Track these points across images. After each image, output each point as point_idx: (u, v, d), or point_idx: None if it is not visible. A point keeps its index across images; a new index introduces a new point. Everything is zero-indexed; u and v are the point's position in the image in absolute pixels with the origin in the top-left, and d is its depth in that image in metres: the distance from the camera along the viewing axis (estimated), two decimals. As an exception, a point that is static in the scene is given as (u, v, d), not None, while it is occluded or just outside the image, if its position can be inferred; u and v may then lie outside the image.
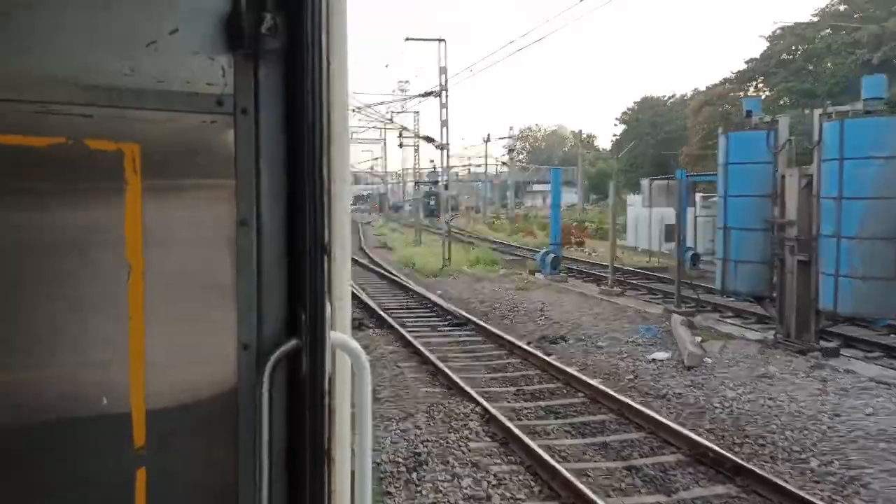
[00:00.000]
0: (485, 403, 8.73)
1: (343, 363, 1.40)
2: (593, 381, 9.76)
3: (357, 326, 13.93)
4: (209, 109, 1.26)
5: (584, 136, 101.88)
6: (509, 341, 12.48)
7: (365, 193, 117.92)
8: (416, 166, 34.86)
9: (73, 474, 1.20)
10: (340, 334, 1.37)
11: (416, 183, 35.54)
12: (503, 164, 57.01)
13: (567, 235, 33.57)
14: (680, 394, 9.16)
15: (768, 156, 12.38)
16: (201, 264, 1.29)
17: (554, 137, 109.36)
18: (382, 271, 24.42)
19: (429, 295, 18.28)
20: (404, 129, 25.33)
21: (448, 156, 24.78)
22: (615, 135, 79.24)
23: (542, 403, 9.13)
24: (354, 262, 28.49)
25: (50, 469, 1.18)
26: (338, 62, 1.32)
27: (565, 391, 9.71)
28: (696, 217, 25.20)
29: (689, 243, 26.01)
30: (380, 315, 15.40)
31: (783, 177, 12.18)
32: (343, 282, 1.38)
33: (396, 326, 13.95)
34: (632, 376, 10.24)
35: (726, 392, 8.93)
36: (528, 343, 12.48)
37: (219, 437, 1.30)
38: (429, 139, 24.72)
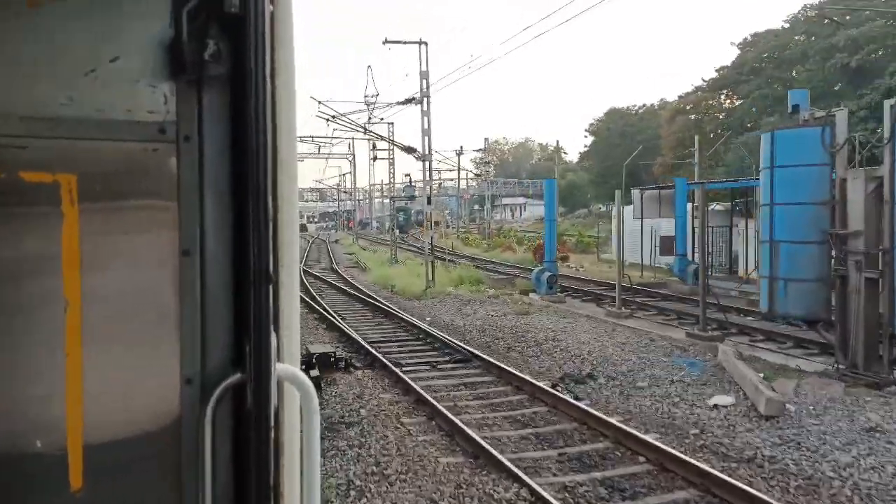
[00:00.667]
0: (529, 482, 6.64)
1: (291, 397, 1.35)
2: (650, 439, 7.74)
3: (344, 367, 11.73)
4: (151, 137, 1.23)
5: (552, 147, 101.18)
6: (528, 382, 10.42)
7: (330, 210, 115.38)
8: (391, 180, 32.77)
9: None
10: (287, 366, 1.33)
11: (392, 198, 33.43)
12: (476, 175, 55.00)
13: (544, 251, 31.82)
14: (772, 457, 7.19)
15: (823, 156, 10.60)
16: (143, 295, 1.24)
17: (521, 150, 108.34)
18: (360, 295, 22.21)
19: (418, 323, 16.17)
20: (380, 137, 23.15)
21: (430, 168, 22.76)
22: (585, 146, 78.21)
23: (597, 475, 7.07)
24: (329, 285, 26.26)
25: None
26: (284, 87, 1.30)
27: (619, 454, 7.67)
28: (694, 228, 23.53)
29: (689, 256, 24.41)
30: (367, 350, 13.22)
31: (843, 180, 10.41)
32: (291, 311, 1.34)
33: (390, 366, 11.79)
34: (696, 430, 8.24)
35: (836, 455, 6.97)
36: (552, 384, 10.44)
37: (161, 476, 1.25)
38: (409, 149, 22.68)
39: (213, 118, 1.26)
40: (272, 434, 1.28)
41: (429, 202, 22.83)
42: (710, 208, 27.83)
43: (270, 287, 1.27)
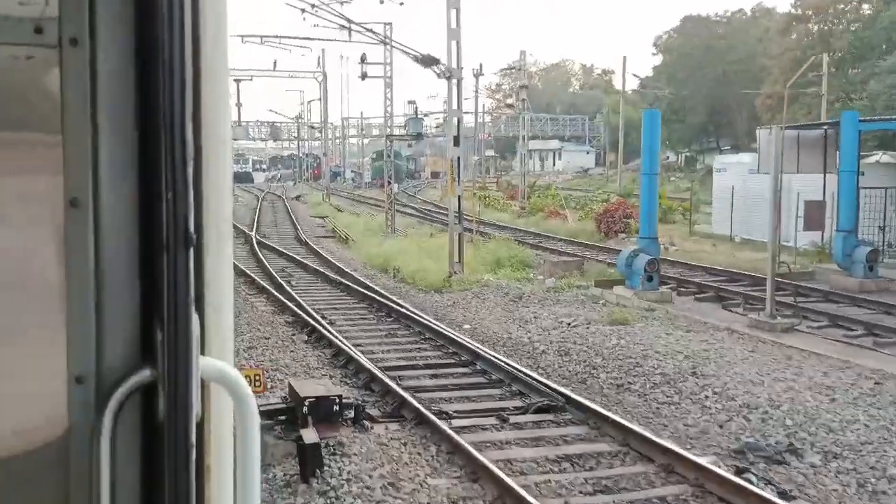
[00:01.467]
0: None
1: (221, 400, 1.34)
2: None
3: (354, 420, 9.39)
4: (23, 40, 1.21)
5: (599, 71, 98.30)
6: (684, 460, 8.10)
7: (285, 154, 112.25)
8: (388, 110, 29.99)
9: None
10: (214, 361, 1.30)
11: (388, 136, 30.79)
12: (507, 106, 51.95)
13: (613, 219, 29.51)
14: None
15: None
16: (14, 262, 1.23)
17: (555, 75, 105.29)
18: (349, 283, 19.89)
19: (452, 333, 13.91)
20: (388, 40, 20.34)
21: (460, 89, 20.28)
22: (648, 70, 75.25)
23: None
24: (298, 265, 23.92)
25: None
26: None
27: None
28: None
29: (842, 228, 22.01)
30: (384, 384, 10.90)
31: None
32: (220, 284, 1.32)
33: (431, 418, 9.45)
34: None
35: None
36: (737, 470, 8.10)
37: (43, 502, 1.26)
38: (428, 60, 20.14)
39: (111, 15, 1.22)
40: (193, 452, 1.25)
41: (456, 143, 20.37)
42: (873, 159, 25.47)
43: (191, 252, 1.23)
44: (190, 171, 1.22)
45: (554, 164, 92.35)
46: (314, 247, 28.62)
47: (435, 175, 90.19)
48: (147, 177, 1.23)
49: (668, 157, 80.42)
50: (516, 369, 11.54)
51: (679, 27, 74.67)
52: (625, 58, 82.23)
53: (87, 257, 1.23)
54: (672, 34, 76.00)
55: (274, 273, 21.66)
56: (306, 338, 14.34)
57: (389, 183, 31.17)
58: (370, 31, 20.40)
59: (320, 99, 51.35)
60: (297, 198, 56.66)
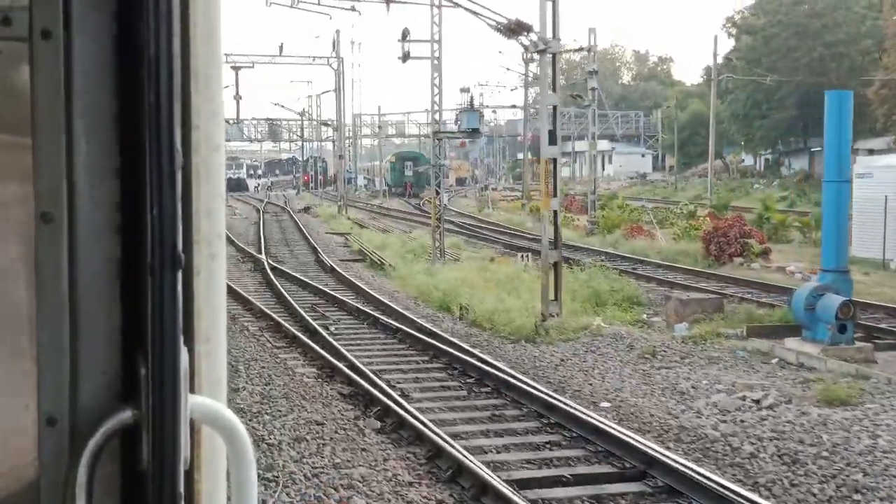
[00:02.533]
0: None
1: (212, 445, 1.33)
2: None
3: None
4: None
5: (654, 59, 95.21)
6: None
7: (284, 157, 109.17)
8: (434, 99, 26.73)
9: None
10: (205, 400, 1.28)
11: (435, 134, 27.57)
12: (575, 97, 48.48)
13: (726, 239, 26.26)
14: None
15: None
16: None
17: (604, 63, 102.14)
18: (410, 329, 16.74)
19: (589, 416, 10.78)
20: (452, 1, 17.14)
21: (555, 68, 17.09)
22: (727, 56, 71.78)
23: None
24: (331, 301, 20.79)
25: None
26: None
27: None
28: None
29: None
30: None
31: None
32: (214, 313, 1.32)
33: None
34: None
35: None
36: None
37: None
38: (517, 28, 16.99)
39: (88, 4, 1.21)
40: (181, 501, 1.24)
41: (552, 139, 17.17)
42: None
43: (179, 274, 1.21)
44: (178, 182, 1.20)
45: (604, 169, 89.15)
46: (343, 274, 25.54)
47: (460, 182, 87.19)
48: (129, 189, 1.21)
49: (742, 160, 77.16)
50: (731, 492, 8.34)
51: (757, 3, 71.49)
52: (716, 37, 77.95)
53: (60, 280, 1.22)
54: (749, 12, 72.77)
55: (302, 313, 18.57)
56: (378, 424, 11.18)
57: (437, 192, 27.84)
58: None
59: (336, 90, 48.19)
60: (306, 209, 53.48)
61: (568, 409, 11.30)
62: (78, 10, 1.19)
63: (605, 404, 12.00)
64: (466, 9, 17.55)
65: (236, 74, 45.90)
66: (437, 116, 27.90)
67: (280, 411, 11.86)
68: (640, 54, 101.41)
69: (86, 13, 1.19)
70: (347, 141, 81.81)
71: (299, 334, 16.45)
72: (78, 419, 1.21)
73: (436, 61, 26.90)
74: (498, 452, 10.19)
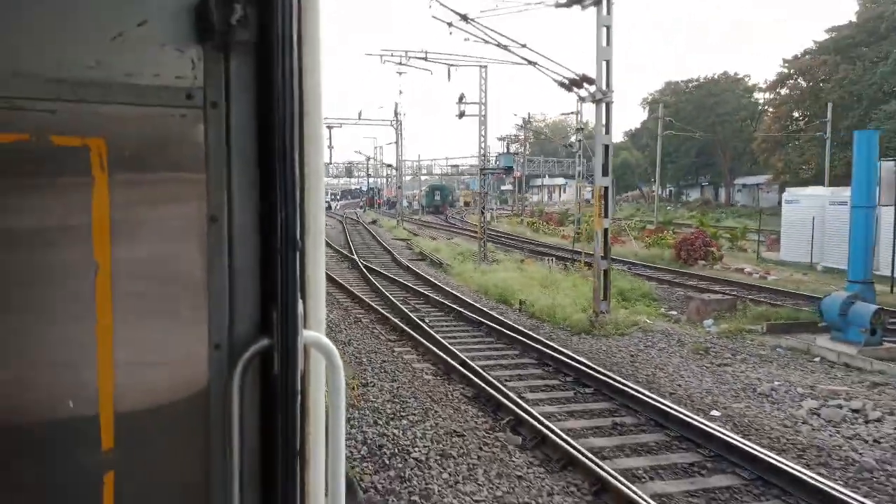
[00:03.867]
0: None
1: (317, 362, 1.32)
2: None
3: None
4: (178, 103, 1.18)
5: (579, 126, 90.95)
6: None
7: (353, 188, 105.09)
8: (483, 145, 23.13)
9: (40, 478, 1.13)
10: (314, 333, 1.29)
11: (482, 170, 23.78)
12: (566, 146, 44.63)
13: (693, 247, 22.23)
14: None
15: None
16: (171, 262, 1.21)
17: (559, 128, 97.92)
18: (487, 322, 12.80)
19: (704, 425, 6.95)
20: (531, 60, 13.26)
21: (609, 114, 13.16)
22: (640, 123, 67.68)
23: None
24: (415, 294, 16.81)
25: (17, 473, 1.12)
26: (311, 53, 1.25)
27: None
28: None
29: None
30: None
31: None
32: (317, 278, 1.31)
33: None
34: None
35: None
36: None
37: (189, 439, 1.23)
38: (578, 81, 13.06)
39: (240, 84, 1.19)
40: (298, 399, 1.25)
41: (605, 171, 13.27)
42: None
43: (297, 254, 1.23)
44: (297, 195, 1.22)
45: (560, 196, 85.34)
46: (417, 271, 21.56)
47: (466, 204, 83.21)
48: (266, 200, 1.21)
49: (652, 191, 72.88)
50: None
51: (663, 88, 67.69)
52: (586, 121, 74.40)
53: (222, 258, 1.21)
54: (655, 95, 69.14)
55: (400, 306, 14.65)
56: (519, 439, 7.28)
57: (483, 213, 23.93)
58: (522, 47, 13.18)
59: (395, 142, 44.24)
60: (374, 222, 49.45)
61: (686, 418, 7.41)
62: (235, 89, 1.17)
63: (715, 413, 8.09)
64: (540, 69, 13.45)
65: (329, 132, 41.80)
66: (483, 158, 23.91)
67: (414, 415, 7.96)
68: (584, 122, 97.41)
69: (239, 91, 1.18)
70: (393, 177, 77.93)
71: (405, 328, 12.50)
72: (233, 345, 1.21)
73: (482, 118, 23.09)
74: (652, 479, 6.32)
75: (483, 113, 22.95)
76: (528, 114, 57.00)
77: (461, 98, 22.62)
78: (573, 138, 34.13)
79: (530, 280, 18.15)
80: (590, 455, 6.42)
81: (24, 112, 1.08)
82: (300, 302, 1.23)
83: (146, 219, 1.18)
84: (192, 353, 1.21)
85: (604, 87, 12.98)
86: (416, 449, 6.97)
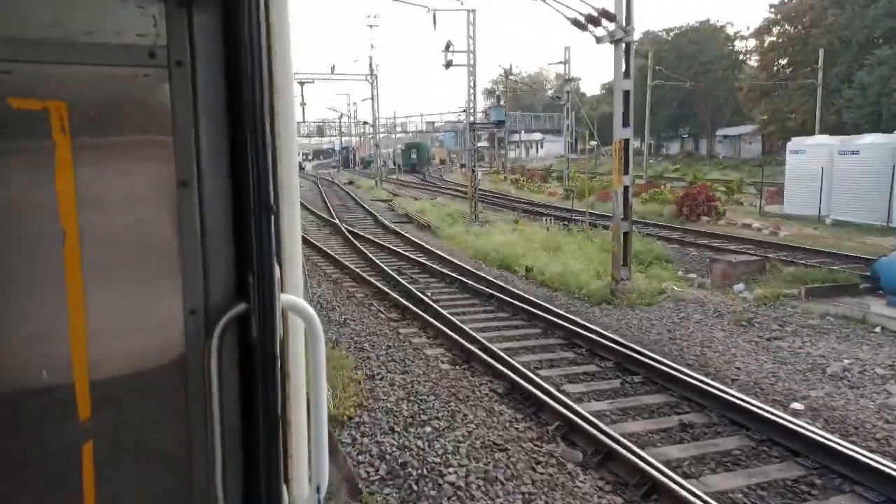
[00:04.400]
0: None
1: (295, 326, 1.31)
2: None
3: None
4: (141, 62, 1.14)
5: (569, 77, 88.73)
6: None
7: (325, 147, 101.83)
8: (471, 96, 21.28)
9: (17, 450, 1.12)
10: (291, 296, 1.28)
11: (472, 126, 22.03)
12: (554, 98, 43.07)
13: (696, 202, 21.00)
14: None
15: None
16: (141, 228, 1.18)
17: (536, 81, 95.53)
18: (493, 291, 11.39)
19: (795, 426, 5.68)
20: None
21: (630, 54, 11.58)
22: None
23: None
24: (408, 261, 15.30)
25: None
26: (278, 9, 1.20)
27: None
28: None
29: None
30: None
31: None
32: (293, 241, 1.29)
33: None
34: None
35: None
36: None
37: (168, 406, 1.21)
38: (598, 16, 11.41)
39: (206, 42, 1.15)
40: (278, 363, 1.23)
41: (626, 121, 11.76)
42: None
43: (271, 217, 1.20)
44: (269, 157, 1.17)
45: (537, 152, 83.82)
46: (405, 235, 20.03)
47: (441, 162, 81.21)
48: (237, 163, 1.18)
49: (636, 143, 71.73)
50: None
51: (641, 38, 65.83)
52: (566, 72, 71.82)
53: (194, 223, 1.18)
54: (637, 44, 67.31)
55: (396, 277, 13.18)
56: (579, 455, 5.91)
57: (473, 171, 22.27)
58: None
59: (371, 98, 41.97)
60: (350, 183, 47.42)
61: (767, 415, 6.13)
62: (200, 47, 1.14)
63: (797, 406, 6.81)
64: (549, 3, 11.75)
65: (301, 87, 39.38)
66: (469, 111, 22.12)
67: (439, 419, 6.56)
68: (559, 74, 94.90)
69: (205, 49, 1.14)
70: (368, 136, 75.24)
71: (407, 303, 11.03)
72: (210, 310, 1.19)
73: (471, 68, 21.25)
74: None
75: (472, 62, 21.12)
76: (510, 65, 54.61)
77: (448, 46, 20.75)
78: (564, 90, 32.38)
79: (530, 243, 16.74)
80: (671, 475, 5.08)
81: None
82: (276, 265, 1.20)
83: (113, 183, 1.13)
84: (168, 320, 1.18)
85: (623, 24, 11.36)
86: (451, 469, 5.58)
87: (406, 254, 16.49)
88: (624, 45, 11.58)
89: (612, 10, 11.46)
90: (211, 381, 1.18)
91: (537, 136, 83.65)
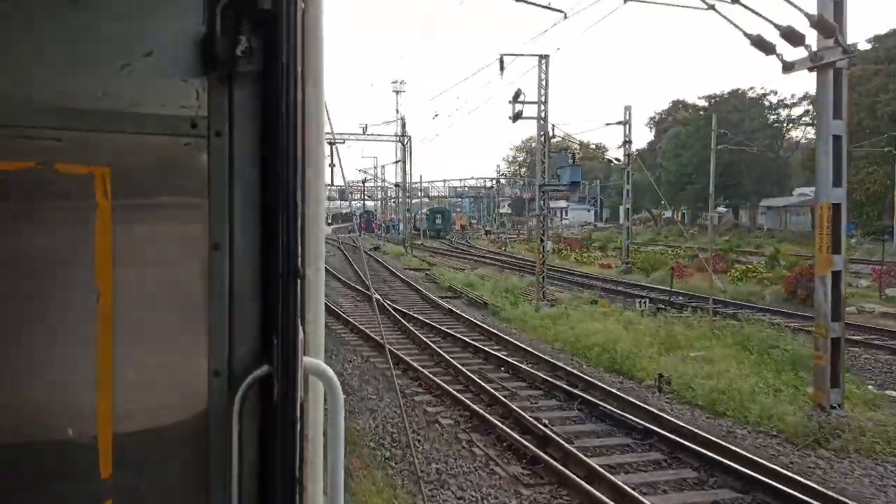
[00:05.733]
0: None
1: (316, 389, 1.31)
2: None
3: None
4: (183, 132, 1.18)
5: (593, 146, 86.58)
6: None
7: (344, 211, 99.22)
8: (543, 154, 17.65)
9: (39, 502, 1.11)
10: (313, 359, 1.28)
11: (541, 187, 18.48)
12: (611, 161, 40.08)
13: (812, 280, 17.11)
14: None
15: None
16: (173, 288, 1.19)
17: (557, 148, 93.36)
18: (630, 417, 7.44)
19: None
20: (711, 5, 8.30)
21: (843, 84, 7.98)
22: (647, 143, 63.45)
23: None
24: (489, 359, 11.33)
25: (16, 498, 1.10)
26: (313, 84, 1.26)
27: None
28: None
29: None
30: None
31: None
32: (317, 305, 1.31)
33: None
34: None
35: None
36: None
37: (189, 465, 1.21)
38: (793, 36, 7.80)
39: (244, 114, 1.19)
40: (298, 426, 1.21)
41: (837, 179, 8.05)
42: None
43: (299, 281, 1.20)
44: (299, 223, 1.20)
45: (562, 219, 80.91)
46: (464, 315, 16.23)
47: (462, 227, 78.23)
48: (267, 228, 1.20)
49: (663, 214, 68.30)
50: None
51: (670, 109, 64.07)
52: (588, 142, 69.99)
53: (223, 284, 1.19)
54: (661, 115, 65.63)
55: (485, 386, 9.29)
56: None
57: (542, 241, 18.54)
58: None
59: (402, 161, 38.94)
60: (376, 248, 43.79)
61: None
62: (238, 118, 1.17)
63: None
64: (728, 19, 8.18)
65: (333, 148, 36.28)
66: (544, 167, 18.53)
67: None
68: (583, 144, 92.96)
69: (243, 120, 1.17)
70: (392, 201, 72.43)
71: (528, 445, 7.11)
72: (233, 372, 1.19)
73: (541, 121, 17.86)
74: None
75: (543, 113, 17.73)
76: (553, 126, 51.79)
77: (517, 96, 17.48)
78: (624, 153, 29.14)
79: (639, 335, 12.85)
80: None
81: (31, 140, 1.09)
82: (300, 329, 1.21)
83: (149, 245, 1.17)
84: (192, 380, 1.19)
85: (840, 40, 7.80)
86: None
87: (475, 343, 12.65)
88: (832, 70, 7.99)
89: (808, 23, 7.90)
90: (231, 442, 1.17)
91: (562, 203, 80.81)
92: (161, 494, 1.18)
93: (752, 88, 53.72)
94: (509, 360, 11.32)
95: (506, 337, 13.51)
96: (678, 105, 65.63)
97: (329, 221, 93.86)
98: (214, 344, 1.18)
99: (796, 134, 52.91)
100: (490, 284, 22.58)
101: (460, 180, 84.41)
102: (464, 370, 10.39)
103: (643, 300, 16.13)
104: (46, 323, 1.11)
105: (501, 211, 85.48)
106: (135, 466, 1.15)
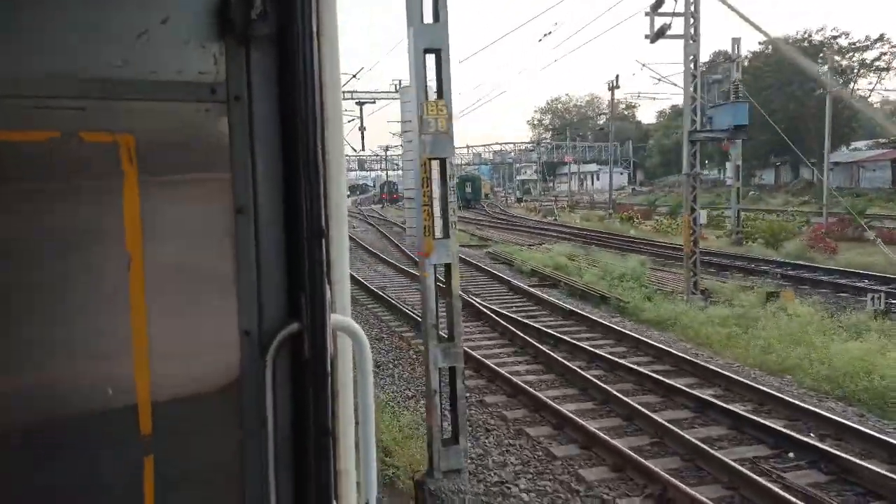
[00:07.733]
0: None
1: (344, 345, 1.33)
2: None
3: None
4: (203, 98, 1.17)
5: (623, 106, 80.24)
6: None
7: (360, 182, 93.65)
8: (692, 88, 12.49)
9: (84, 465, 1.14)
10: (340, 316, 1.29)
11: (690, 135, 12.99)
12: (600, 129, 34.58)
13: None
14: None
15: None
16: (200, 253, 1.20)
17: (588, 109, 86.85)
18: None
19: None
20: None
21: None
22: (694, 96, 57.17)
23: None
24: (651, 384, 6.22)
25: (62, 461, 1.12)
26: (329, 46, 1.24)
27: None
28: None
29: None
30: None
31: None
32: (341, 264, 1.30)
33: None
34: None
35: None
36: None
37: (224, 423, 1.23)
38: None
39: (261, 78, 1.18)
40: (329, 381, 1.23)
41: None
42: None
43: (323, 241, 1.22)
44: (321, 184, 1.20)
45: (592, 184, 75.09)
46: (591, 317, 11.12)
47: (486, 195, 72.79)
48: (290, 190, 1.20)
49: (706, 173, 62.41)
50: None
51: (711, 60, 57.55)
52: (617, 99, 63.00)
53: (249, 247, 1.20)
54: (706, 66, 59.09)
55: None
56: None
57: (693, 209, 13.19)
58: None
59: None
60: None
61: None
62: (256, 83, 1.16)
63: None
64: None
65: (361, 108, 30.90)
66: (697, 110, 13.14)
67: None
68: (615, 103, 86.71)
69: (261, 84, 1.17)
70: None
71: None
72: (263, 331, 1.20)
73: (690, 41, 12.39)
74: None
75: (693, 30, 12.20)
76: (559, 96, 45.99)
77: (656, 6, 11.99)
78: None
79: (835, 343, 7.66)
80: None
81: (54, 111, 1.08)
82: (327, 287, 1.22)
83: (175, 211, 1.16)
84: (224, 341, 1.20)
85: None
86: None
87: (650, 372, 7.48)
88: None
89: None
90: (265, 398, 1.18)
91: (592, 167, 74.87)
92: (199, 450, 1.20)
93: (820, 30, 47.34)
94: (760, 420, 6.16)
95: (693, 360, 8.36)
96: (719, 55, 59.26)
97: (347, 193, 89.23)
98: (243, 304, 1.19)
99: (864, 83, 46.71)
100: (583, 265, 17.37)
101: (484, 146, 78.57)
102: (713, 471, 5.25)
103: (876, 296, 10.75)
104: (81, 291, 1.10)
105: (523, 178, 79.79)
106: (173, 425, 1.15)
